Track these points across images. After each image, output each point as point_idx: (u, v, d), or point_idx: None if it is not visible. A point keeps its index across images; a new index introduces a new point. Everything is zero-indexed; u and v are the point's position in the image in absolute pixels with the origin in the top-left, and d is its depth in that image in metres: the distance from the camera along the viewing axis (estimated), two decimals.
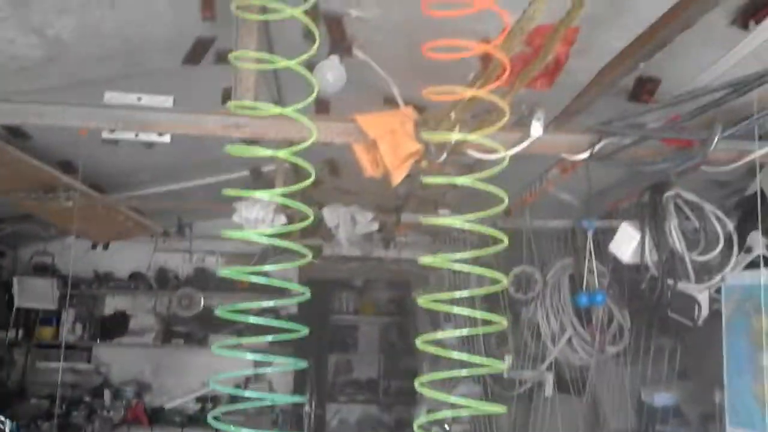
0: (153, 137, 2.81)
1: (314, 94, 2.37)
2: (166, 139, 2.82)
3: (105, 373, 7.07)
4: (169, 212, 6.25)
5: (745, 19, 2.18)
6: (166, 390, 7.19)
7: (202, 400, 7.12)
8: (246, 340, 4.46)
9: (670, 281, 2.86)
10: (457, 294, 2.46)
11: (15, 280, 6.00)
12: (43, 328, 6.66)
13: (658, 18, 1.98)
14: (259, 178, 5.51)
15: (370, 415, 9.82)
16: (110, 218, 4.85)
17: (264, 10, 2.36)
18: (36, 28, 2.73)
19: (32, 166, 3.95)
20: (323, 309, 9.66)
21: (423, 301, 2.33)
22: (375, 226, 4.56)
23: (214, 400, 7.09)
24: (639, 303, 3.18)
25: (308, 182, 2.53)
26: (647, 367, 4.30)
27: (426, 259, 2.42)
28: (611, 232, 3.39)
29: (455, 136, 2.36)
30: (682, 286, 2.87)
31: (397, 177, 2.86)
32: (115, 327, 7.10)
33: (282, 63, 2.26)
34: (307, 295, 2.60)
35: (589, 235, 3.50)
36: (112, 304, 7.23)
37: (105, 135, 2.78)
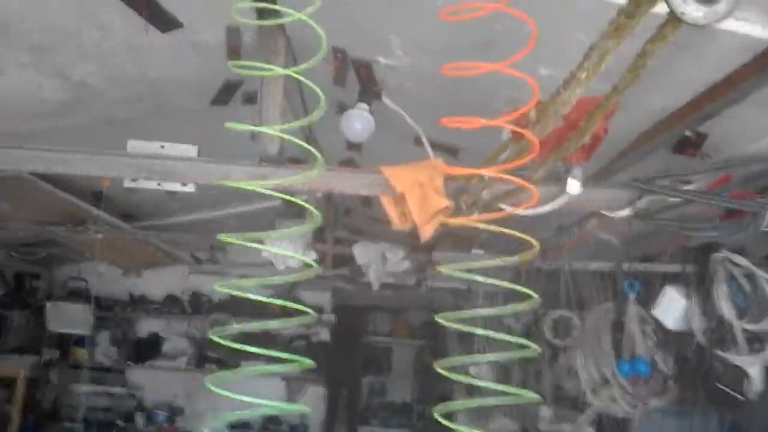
0: (176, 186, 2.74)
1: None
2: (190, 188, 2.75)
3: (138, 397, 7.07)
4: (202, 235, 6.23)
5: None
6: (198, 414, 7.16)
7: (234, 426, 7.06)
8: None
9: (718, 351, 2.65)
10: (480, 312, 2.39)
11: (48, 305, 6.02)
12: (78, 349, 6.69)
13: (706, 89, 1.81)
14: (292, 207, 5.44)
15: None
16: (140, 249, 4.83)
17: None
18: (60, 73, 2.70)
19: (63, 200, 3.94)
20: (356, 331, 9.54)
21: (442, 318, 2.29)
22: (406, 265, 4.43)
23: (246, 426, 7.04)
24: (686, 370, 2.96)
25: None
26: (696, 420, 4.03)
27: (444, 269, 2.37)
28: (657, 277, 3.19)
29: (485, 219, 2.22)
30: (731, 356, 2.66)
31: (426, 233, 2.73)
32: (148, 349, 7.11)
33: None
34: (314, 316, 2.41)
35: (631, 299, 3.28)
36: (146, 326, 7.25)
37: (127, 184, 2.73)
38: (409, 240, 4.97)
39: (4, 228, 4.27)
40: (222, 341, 2.21)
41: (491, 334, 2.49)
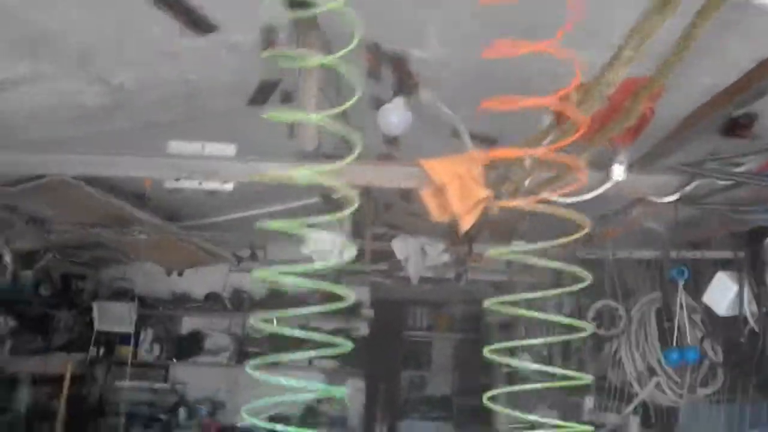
0: (216, 185, 2.77)
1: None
2: (229, 186, 2.78)
3: (180, 392, 7.20)
4: (243, 234, 6.28)
5: None
6: (239, 409, 7.23)
7: (273, 419, 7.13)
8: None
9: None
10: (527, 295, 2.37)
11: (95, 305, 6.19)
12: (122, 347, 6.84)
13: (755, 66, 1.75)
14: (330, 204, 5.45)
15: None
16: (182, 249, 4.89)
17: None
18: (99, 78, 2.73)
19: (107, 203, 4.01)
20: (396, 326, 9.55)
21: (491, 303, 2.31)
22: (446, 258, 4.40)
23: (285, 419, 7.10)
24: (737, 357, 2.88)
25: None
26: (745, 409, 3.93)
27: (494, 252, 2.38)
28: (705, 266, 3.10)
29: (530, 201, 2.18)
30: None
31: (466, 223, 2.70)
32: (191, 346, 7.23)
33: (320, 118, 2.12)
34: (351, 299, 2.36)
35: (680, 286, 3.20)
36: (188, 323, 7.37)
37: (169, 184, 2.76)
38: (449, 233, 4.93)
39: (50, 231, 4.37)
40: (262, 328, 2.19)
41: (541, 315, 2.45)
